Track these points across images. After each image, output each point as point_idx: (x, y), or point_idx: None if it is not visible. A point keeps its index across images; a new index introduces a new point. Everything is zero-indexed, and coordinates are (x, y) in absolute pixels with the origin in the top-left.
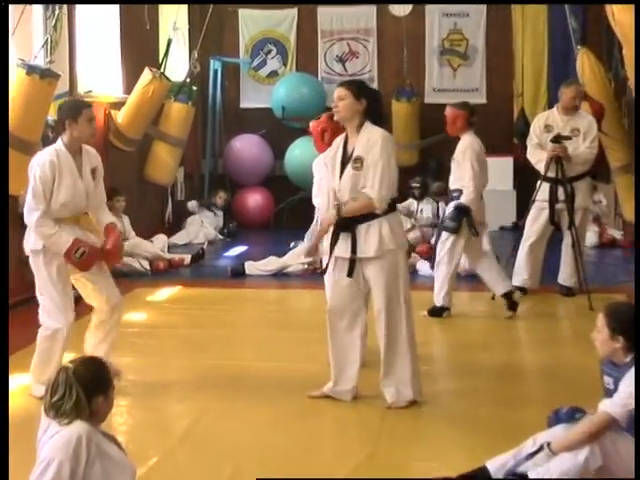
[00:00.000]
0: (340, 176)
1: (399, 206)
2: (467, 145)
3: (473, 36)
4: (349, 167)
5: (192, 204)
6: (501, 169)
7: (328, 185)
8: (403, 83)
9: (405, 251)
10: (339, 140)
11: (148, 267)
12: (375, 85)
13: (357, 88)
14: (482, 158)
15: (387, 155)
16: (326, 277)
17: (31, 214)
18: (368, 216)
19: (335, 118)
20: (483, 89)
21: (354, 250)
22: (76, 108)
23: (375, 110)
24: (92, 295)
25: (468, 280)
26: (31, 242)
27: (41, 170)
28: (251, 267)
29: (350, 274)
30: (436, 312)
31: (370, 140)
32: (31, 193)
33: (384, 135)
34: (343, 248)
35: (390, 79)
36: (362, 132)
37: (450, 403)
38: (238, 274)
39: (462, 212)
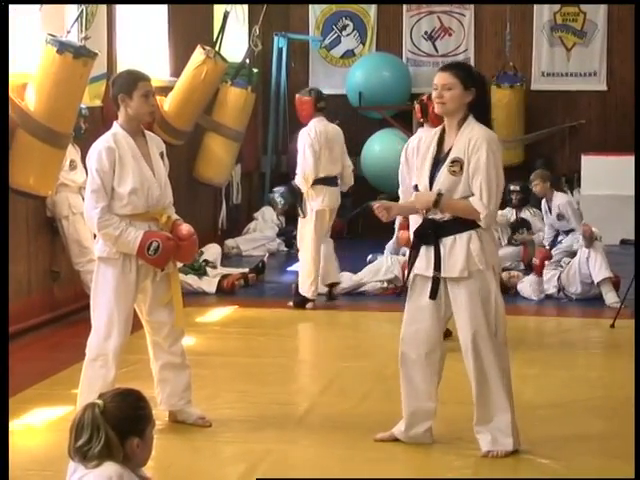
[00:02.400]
0: (430, 176)
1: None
2: (304, 130)
3: (592, 9)
4: (444, 168)
5: None
6: (622, 170)
7: (409, 182)
8: (505, 66)
9: (498, 273)
10: (433, 134)
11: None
12: None
13: (466, 75)
14: (321, 144)
15: (495, 162)
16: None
17: (91, 213)
18: (455, 227)
19: (436, 111)
20: (602, 74)
21: (437, 267)
22: (131, 80)
23: (483, 102)
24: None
25: (580, 304)
26: (97, 248)
27: (97, 161)
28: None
29: (433, 296)
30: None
31: (472, 141)
32: (89, 189)
33: (490, 136)
34: (424, 264)
35: (490, 61)
36: (463, 129)
37: (553, 453)
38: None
39: (292, 193)
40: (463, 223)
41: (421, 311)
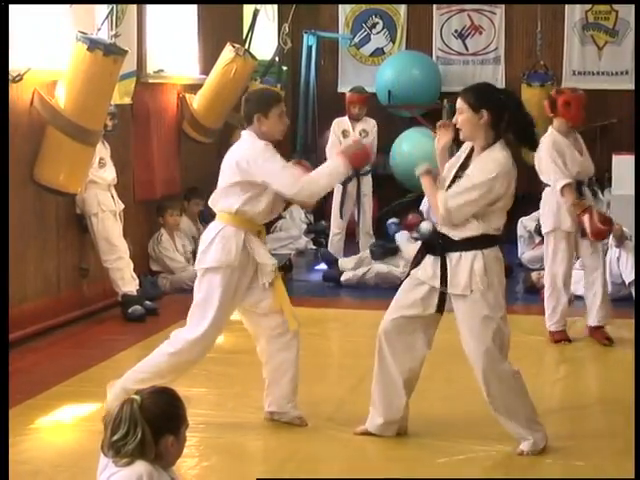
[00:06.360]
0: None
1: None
2: None
3: (624, 7)
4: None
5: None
6: None
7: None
8: (536, 65)
9: (501, 293)
10: (466, 146)
11: None
12: (502, 67)
13: (475, 96)
14: None
15: (489, 183)
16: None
17: (294, 187)
18: (463, 245)
19: (461, 138)
20: (635, 73)
21: (444, 281)
22: (267, 101)
23: (505, 121)
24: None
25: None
26: (209, 259)
27: (265, 150)
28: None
29: (440, 310)
30: None
31: (486, 163)
32: (278, 166)
33: (501, 163)
34: (430, 273)
35: (520, 60)
36: (486, 153)
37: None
38: (331, 279)
39: None
40: (470, 242)
41: (406, 310)
